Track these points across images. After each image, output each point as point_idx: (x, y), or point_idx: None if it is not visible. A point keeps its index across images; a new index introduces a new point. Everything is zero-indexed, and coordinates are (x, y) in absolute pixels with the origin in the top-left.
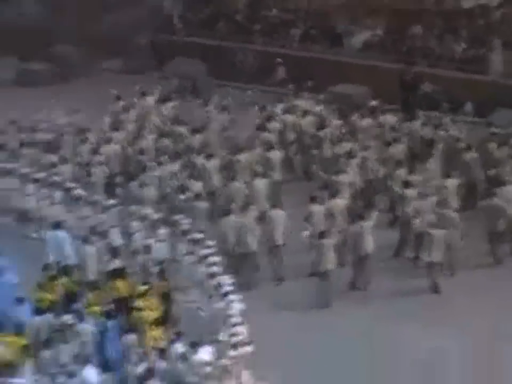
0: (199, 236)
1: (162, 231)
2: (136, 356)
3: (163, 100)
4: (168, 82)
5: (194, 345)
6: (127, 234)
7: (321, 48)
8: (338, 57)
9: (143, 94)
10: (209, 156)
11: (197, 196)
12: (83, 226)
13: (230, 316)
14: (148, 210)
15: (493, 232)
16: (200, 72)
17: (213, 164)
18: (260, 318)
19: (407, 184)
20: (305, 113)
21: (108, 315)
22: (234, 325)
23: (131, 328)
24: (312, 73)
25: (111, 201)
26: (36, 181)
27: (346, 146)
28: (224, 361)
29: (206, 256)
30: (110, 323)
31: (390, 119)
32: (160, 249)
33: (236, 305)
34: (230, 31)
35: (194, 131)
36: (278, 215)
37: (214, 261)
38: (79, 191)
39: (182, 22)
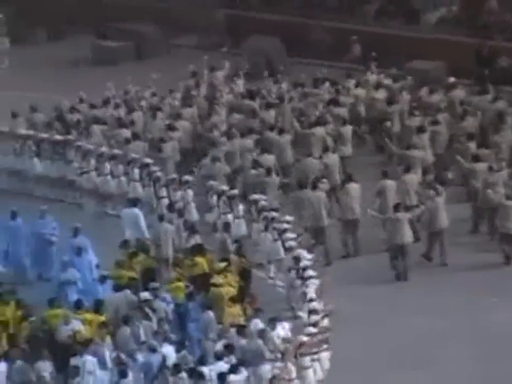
0: (275, 213)
1: (241, 207)
2: (215, 332)
3: (233, 75)
4: (243, 59)
5: (273, 322)
6: (204, 211)
7: (397, 24)
8: (414, 33)
9: (212, 69)
10: (281, 131)
11: (268, 171)
12: (161, 203)
13: (308, 292)
14: (225, 186)
15: None
16: (275, 49)
17: (285, 139)
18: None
19: (477, 158)
20: (377, 86)
21: (189, 296)
22: (311, 300)
23: (210, 305)
24: (388, 49)
25: (187, 178)
26: (113, 158)
27: (416, 120)
28: (303, 338)
29: (283, 231)
30: (191, 304)
31: (459, 93)
32: (238, 226)
33: (314, 280)
34: (305, 7)
35: (268, 106)
36: (354, 188)
37: (292, 236)
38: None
39: None
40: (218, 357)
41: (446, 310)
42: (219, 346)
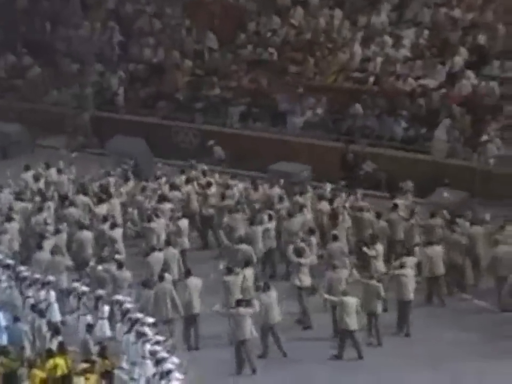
0: (139, 315)
1: (106, 308)
2: None
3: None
4: (109, 159)
5: None
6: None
7: (263, 126)
8: (280, 136)
9: (48, 166)
10: (113, 225)
11: (120, 265)
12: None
13: None
14: (85, 288)
15: None
16: (141, 150)
17: (117, 232)
18: None
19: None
20: (208, 184)
21: None
22: None
23: None
24: (254, 151)
25: (50, 278)
26: None
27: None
28: None
29: (145, 334)
30: None
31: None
32: (101, 327)
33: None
34: (171, 109)
35: (99, 201)
36: (194, 283)
37: (156, 339)
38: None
39: (124, 100)
40: None
41: None
42: None
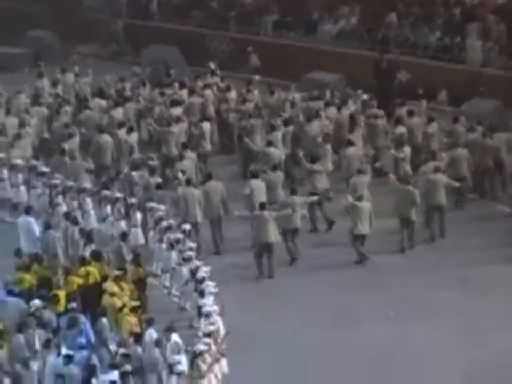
0: (171, 222)
1: (138, 215)
2: (110, 340)
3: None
4: (143, 67)
5: (168, 331)
6: (101, 219)
7: (296, 36)
8: (312, 45)
9: (63, 70)
10: (130, 129)
11: (152, 171)
12: (56, 211)
13: (203, 305)
14: (119, 194)
15: None
16: (174, 58)
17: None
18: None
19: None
20: (228, 88)
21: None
22: (208, 314)
23: (103, 313)
24: (287, 60)
25: (85, 186)
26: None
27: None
28: (200, 347)
29: (178, 241)
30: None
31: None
32: (135, 235)
33: (210, 289)
34: (204, 17)
35: (116, 104)
36: (215, 186)
37: (189, 246)
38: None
39: (158, 8)
40: (115, 366)
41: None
42: (116, 354)
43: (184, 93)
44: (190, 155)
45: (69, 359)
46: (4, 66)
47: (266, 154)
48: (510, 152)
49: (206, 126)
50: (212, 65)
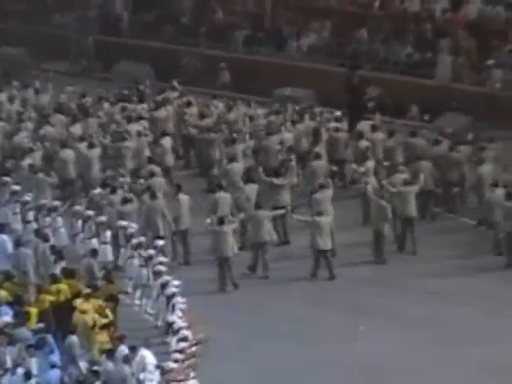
0: (142, 239)
1: (108, 233)
2: (80, 358)
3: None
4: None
5: (134, 349)
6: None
7: (267, 51)
8: (283, 60)
9: (25, 86)
10: (91, 145)
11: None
12: (28, 229)
13: (173, 322)
14: (90, 212)
15: None
16: (145, 75)
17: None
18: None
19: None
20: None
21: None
22: (179, 329)
23: (73, 330)
24: (258, 76)
25: (56, 204)
26: None
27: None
28: (170, 364)
29: (150, 257)
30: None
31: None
32: (104, 251)
33: (181, 306)
34: (175, 33)
35: (74, 120)
36: (183, 199)
37: (159, 260)
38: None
39: (129, 24)
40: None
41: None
42: (85, 370)
43: (144, 107)
44: (156, 169)
45: (28, 377)
46: None
47: (227, 170)
48: (472, 165)
49: (167, 140)
50: (174, 82)
